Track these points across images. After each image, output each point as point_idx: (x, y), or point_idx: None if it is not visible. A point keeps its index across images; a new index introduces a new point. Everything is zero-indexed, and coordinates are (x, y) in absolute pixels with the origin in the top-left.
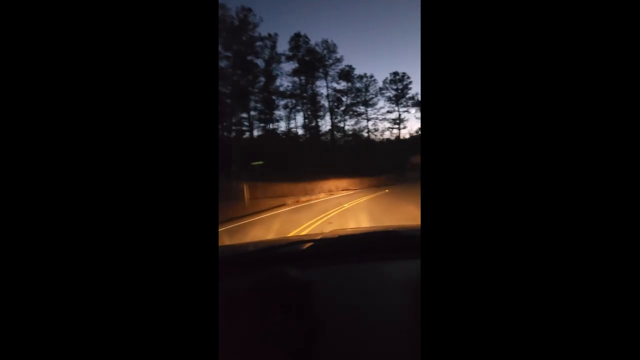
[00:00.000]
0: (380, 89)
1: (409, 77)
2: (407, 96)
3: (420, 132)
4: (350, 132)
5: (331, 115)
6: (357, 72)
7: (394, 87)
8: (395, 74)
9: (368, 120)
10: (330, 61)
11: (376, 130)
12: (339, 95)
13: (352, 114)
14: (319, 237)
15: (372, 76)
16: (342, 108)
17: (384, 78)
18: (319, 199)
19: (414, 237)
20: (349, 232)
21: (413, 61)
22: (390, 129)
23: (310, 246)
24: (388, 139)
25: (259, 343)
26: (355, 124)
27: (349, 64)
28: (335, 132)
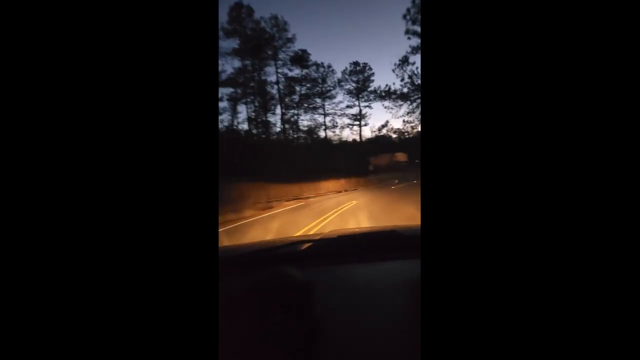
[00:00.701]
0: (339, 80)
1: (370, 69)
2: (369, 89)
3: (378, 129)
4: (305, 128)
5: (282, 105)
6: (313, 59)
7: (355, 78)
8: (356, 64)
9: (325, 115)
10: (281, 42)
11: (335, 126)
12: (291, 83)
13: (307, 107)
14: (318, 237)
15: (329, 66)
16: (296, 99)
17: (343, 68)
18: (246, 219)
19: (414, 237)
20: (348, 232)
21: (375, 51)
22: (351, 126)
23: (310, 246)
24: (346, 140)
25: (259, 343)
26: (311, 119)
27: (303, 48)
28: (286, 127)
